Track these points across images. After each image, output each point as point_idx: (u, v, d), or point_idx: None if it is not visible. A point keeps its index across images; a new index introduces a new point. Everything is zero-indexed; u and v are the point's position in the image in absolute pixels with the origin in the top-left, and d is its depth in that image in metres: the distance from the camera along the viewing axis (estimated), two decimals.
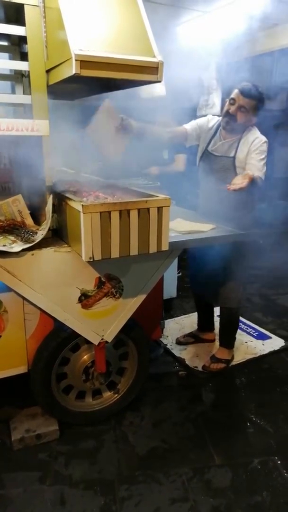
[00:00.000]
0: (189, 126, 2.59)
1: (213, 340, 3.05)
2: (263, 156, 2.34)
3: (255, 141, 2.35)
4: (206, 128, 2.57)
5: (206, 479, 1.91)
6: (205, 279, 2.66)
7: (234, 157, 2.41)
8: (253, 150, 2.35)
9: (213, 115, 2.65)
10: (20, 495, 1.80)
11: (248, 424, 2.27)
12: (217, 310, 3.10)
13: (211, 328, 3.05)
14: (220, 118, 2.49)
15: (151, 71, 1.64)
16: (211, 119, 2.57)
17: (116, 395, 2.25)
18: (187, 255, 2.97)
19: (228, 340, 2.77)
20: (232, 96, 2.35)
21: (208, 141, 2.54)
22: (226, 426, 2.25)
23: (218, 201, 2.50)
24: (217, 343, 2.98)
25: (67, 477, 1.90)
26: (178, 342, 3.02)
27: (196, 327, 3.08)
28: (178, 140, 2.62)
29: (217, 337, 3.02)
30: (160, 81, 1.67)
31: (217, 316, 3.09)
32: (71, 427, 2.16)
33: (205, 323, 3.03)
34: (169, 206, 1.73)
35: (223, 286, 2.57)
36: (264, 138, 2.38)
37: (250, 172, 2.19)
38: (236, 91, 2.34)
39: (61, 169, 2.36)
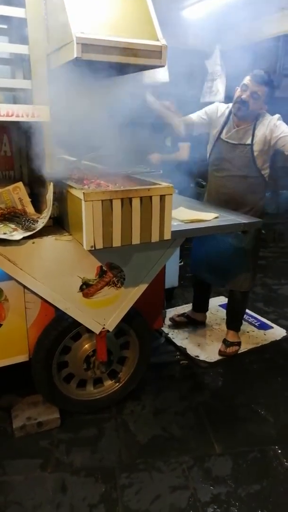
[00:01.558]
0: (195, 115, 2.61)
1: (203, 322, 3.13)
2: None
3: (271, 122, 2.37)
4: (216, 116, 2.57)
5: (207, 468, 1.91)
6: (214, 264, 2.68)
7: (251, 144, 2.41)
8: (276, 127, 2.35)
9: (220, 102, 2.64)
10: (22, 482, 1.81)
11: (249, 413, 2.27)
12: (215, 299, 3.10)
13: (205, 309, 3.12)
14: (231, 104, 2.48)
15: (155, 55, 1.59)
16: (220, 107, 2.57)
17: (117, 384, 2.25)
18: (192, 240, 2.97)
19: (235, 323, 2.84)
20: (244, 82, 2.35)
21: (220, 129, 2.53)
22: (227, 415, 2.25)
23: (232, 188, 2.50)
24: (215, 330, 3.03)
25: (68, 464, 1.91)
26: (172, 320, 3.09)
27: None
28: (187, 130, 2.61)
29: (210, 322, 3.11)
30: (163, 66, 1.63)
31: (218, 305, 3.10)
32: (72, 415, 2.16)
33: (201, 303, 3.09)
34: (171, 194, 1.71)
35: (234, 270, 2.61)
36: (277, 115, 2.41)
37: None
38: (248, 77, 2.35)
39: (62, 156, 2.33)
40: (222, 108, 2.55)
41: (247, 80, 2.34)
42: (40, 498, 1.74)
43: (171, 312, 3.27)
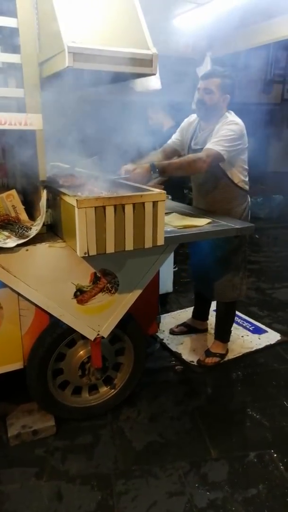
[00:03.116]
0: (171, 140, 2.62)
1: (205, 330, 3.09)
2: (228, 134, 2.21)
3: (225, 121, 2.29)
4: (186, 128, 2.57)
5: (203, 473, 1.91)
6: (202, 273, 2.67)
7: None
8: (217, 131, 2.26)
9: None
10: (17, 491, 1.80)
11: (244, 417, 2.28)
12: (212, 304, 3.11)
13: (205, 318, 3.08)
14: None
15: (146, 63, 1.62)
16: (191, 118, 2.56)
17: (113, 390, 2.25)
18: (188, 247, 2.96)
19: (223, 334, 2.78)
20: (198, 86, 2.36)
21: (190, 137, 2.52)
22: (223, 420, 2.26)
23: (204, 195, 2.50)
24: (210, 336, 2.99)
25: (64, 472, 1.90)
26: (172, 332, 3.05)
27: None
28: (173, 155, 2.60)
29: (210, 329, 3.05)
30: (154, 74, 1.66)
31: (213, 310, 3.10)
32: (67, 422, 2.16)
33: (201, 311, 3.06)
34: (164, 200, 1.72)
35: (217, 280, 2.57)
36: (236, 120, 2.30)
37: (146, 165, 2.12)
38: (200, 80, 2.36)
39: (55, 163, 2.34)
40: (192, 118, 2.54)
41: (199, 84, 2.35)
42: (35, 506, 1.73)
43: (166, 318, 3.28)
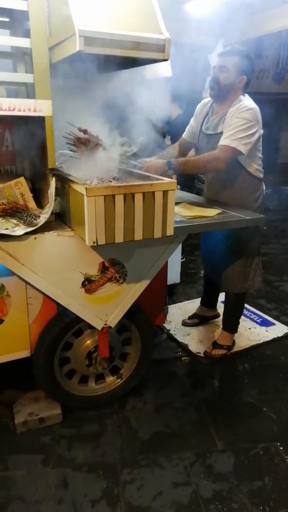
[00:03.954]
0: (186, 130, 2.56)
1: (216, 316, 3.07)
2: (242, 123, 2.11)
3: (239, 107, 2.16)
4: (200, 112, 2.48)
5: (208, 464, 1.91)
6: (213, 261, 2.65)
7: (222, 133, 2.20)
8: (231, 118, 2.15)
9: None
10: (24, 478, 1.81)
11: (251, 409, 2.27)
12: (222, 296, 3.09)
13: (214, 305, 3.07)
14: None
15: (158, 48, 1.58)
16: (205, 100, 2.47)
17: (119, 380, 2.25)
18: (194, 237, 2.93)
19: (230, 325, 2.75)
20: (213, 65, 2.26)
21: (202, 121, 2.43)
22: (229, 412, 2.25)
23: (217, 184, 2.44)
24: (218, 327, 2.98)
25: (70, 460, 1.91)
26: (184, 324, 3.04)
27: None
28: (187, 149, 2.56)
29: (218, 320, 3.04)
30: (167, 59, 1.62)
31: (221, 302, 3.09)
32: (74, 411, 2.16)
33: (210, 298, 3.04)
34: (174, 190, 1.69)
35: (228, 270, 2.53)
36: (251, 104, 2.17)
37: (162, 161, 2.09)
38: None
39: (62, 152, 2.31)
40: (206, 101, 2.44)
41: (215, 62, 2.23)
42: (41, 493, 1.74)
43: (173, 309, 3.27)
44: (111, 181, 1.85)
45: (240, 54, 2.18)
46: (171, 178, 2.38)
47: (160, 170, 2.09)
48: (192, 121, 2.55)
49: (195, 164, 2.15)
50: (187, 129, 2.57)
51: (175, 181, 1.70)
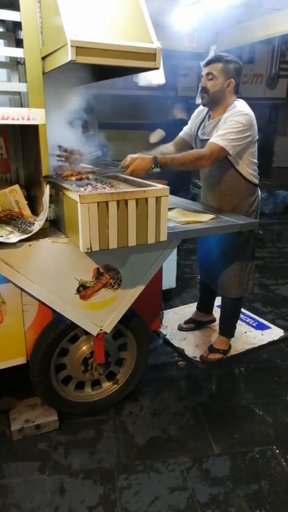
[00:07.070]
0: (182, 132, 2.60)
1: (212, 321, 3.08)
2: (236, 126, 2.14)
3: (233, 112, 2.20)
4: (196, 115, 2.53)
5: (205, 468, 1.92)
6: (209, 266, 2.67)
7: None
8: (225, 123, 2.19)
9: None
10: (20, 485, 1.81)
11: (247, 413, 2.28)
12: (218, 300, 3.10)
13: (211, 310, 3.08)
14: None
15: (149, 57, 1.60)
16: (201, 107, 2.50)
17: (115, 385, 2.26)
18: (189, 242, 2.96)
19: (226, 329, 2.77)
20: (201, 74, 2.31)
21: (197, 126, 2.48)
22: (225, 416, 2.26)
23: (212, 188, 2.47)
24: (214, 331, 2.99)
25: (67, 466, 1.91)
26: (180, 329, 3.04)
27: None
28: (185, 147, 2.58)
29: (214, 325, 3.05)
30: (158, 68, 1.64)
31: (217, 306, 3.10)
32: (70, 417, 2.16)
33: (207, 303, 3.05)
34: (167, 196, 1.71)
35: (224, 275, 2.55)
36: (245, 110, 2.20)
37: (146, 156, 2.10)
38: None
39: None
40: (201, 107, 2.49)
41: (202, 71, 2.29)
42: (38, 500, 1.74)
43: (169, 314, 3.27)
44: (104, 188, 1.87)
45: (223, 59, 2.22)
46: (164, 180, 2.42)
47: (146, 168, 2.09)
48: (188, 124, 2.59)
49: (181, 162, 2.15)
50: (184, 128, 2.60)
51: (168, 187, 1.71)
